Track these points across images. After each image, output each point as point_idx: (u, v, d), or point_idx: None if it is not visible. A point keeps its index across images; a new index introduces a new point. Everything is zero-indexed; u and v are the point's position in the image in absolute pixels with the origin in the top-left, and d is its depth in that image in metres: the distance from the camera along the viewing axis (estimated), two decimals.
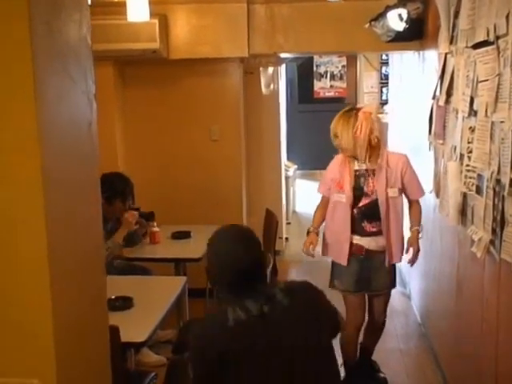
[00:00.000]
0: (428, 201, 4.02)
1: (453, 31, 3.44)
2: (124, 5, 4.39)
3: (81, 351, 1.38)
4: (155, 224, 4.59)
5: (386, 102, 8.96)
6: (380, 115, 6.36)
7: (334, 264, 3.82)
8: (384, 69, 9.43)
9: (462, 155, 3.17)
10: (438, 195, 3.91)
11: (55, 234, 1.24)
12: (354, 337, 3.87)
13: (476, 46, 2.90)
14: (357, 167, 3.68)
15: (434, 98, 3.95)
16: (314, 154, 11.46)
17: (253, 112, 6.11)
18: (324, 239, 3.86)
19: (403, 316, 5.15)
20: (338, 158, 3.80)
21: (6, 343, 1.25)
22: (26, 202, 1.19)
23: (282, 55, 5.77)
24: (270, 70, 6.52)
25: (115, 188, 4.06)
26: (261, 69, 6.27)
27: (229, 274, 2.22)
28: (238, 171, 5.62)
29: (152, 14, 4.53)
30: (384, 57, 8.96)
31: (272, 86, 6.61)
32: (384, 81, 9.25)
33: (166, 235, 4.65)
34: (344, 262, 3.70)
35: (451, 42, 3.49)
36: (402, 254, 3.81)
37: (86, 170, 1.43)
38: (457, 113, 3.32)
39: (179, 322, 4.22)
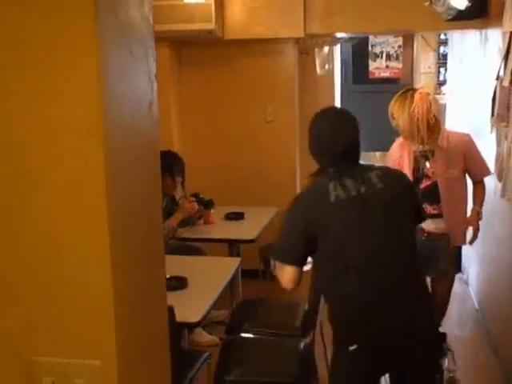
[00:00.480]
0: (488, 183, 3.90)
1: None
2: None
3: (141, 332, 1.39)
4: (212, 211, 4.59)
5: (443, 83, 8.75)
6: (437, 96, 6.21)
7: None
8: (442, 49, 9.19)
9: None
10: (499, 179, 3.79)
11: (116, 212, 1.23)
12: None
13: None
14: (416, 149, 3.60)
15: (497, 78, 3.82)
16: (368, 135, 11.29)
17: (307, 93, 6.03)
18: None
19: (460, 301, 5.04)
20: (398, 140, 3.75)
21: (68, 324, 1.25)
22: (87, 182, 1.19)
23: (338, 35, 5.67)
24: (325, 50, 6.41)
25: (164, 163, 4.04)
26: (316, 49, 6.18)
27: (331, 149, 2.43)
28: (292, 153, 5.57)
29: None
30: (442, 36, 8.74)
31: (327, 67, 6.51)
32: (442, 61, 9.03)
33: (219, 216, 4.66)
34: None
35: None
36: (465, 237, 3.72)
37: (147, 150, 1.42)
38: None
39: (232, 303, 4.25)
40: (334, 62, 6.83)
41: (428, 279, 3.76)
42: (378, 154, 11.12)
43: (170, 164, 4.19)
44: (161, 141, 1.53)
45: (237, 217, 4.70)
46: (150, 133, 1.43)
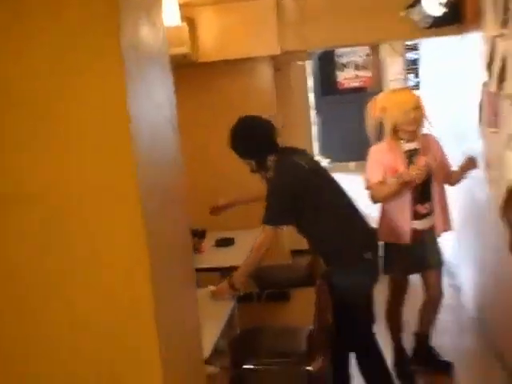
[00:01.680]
0: (481, 192, 3.86)
1: (504, 13, 3.27)
2: None
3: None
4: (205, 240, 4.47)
5: (414, 89, 8.77)
6: None
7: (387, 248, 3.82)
8: (408, 54, 9.22)
9: None
10: (492, 187, 3.75)
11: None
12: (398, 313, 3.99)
13: None
14: (406, 148, 3.66)
15: (482, 84, 3.79)
16: (340, 146, 11.27)
17: (283, 108, 5.96)
18: (381, 226, 3.80)
19: (454, 309, 4.95)
20: (381, 146, 3.72)
21: None
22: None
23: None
24: (298, 64, 6.38)
25: None
26: (291, 63, 6.13)
27: (269, 139, 3.41)
28: None
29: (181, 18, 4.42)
30: (409, 42, 8.75)
31: (300, 81, 6.49)
32: (410, 67, 9.06)
33: (209, 243, 4.54)
34: (407, 239, 3.69)
35: (503, 25, 3.31)
36: (449, 225, 3.84)
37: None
38: None
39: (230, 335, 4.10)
40: (306, 75, 6.82)
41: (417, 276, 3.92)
42: (349, 164, 11.11)
43: None
44: None
45: (227, 243, 4.57)
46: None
